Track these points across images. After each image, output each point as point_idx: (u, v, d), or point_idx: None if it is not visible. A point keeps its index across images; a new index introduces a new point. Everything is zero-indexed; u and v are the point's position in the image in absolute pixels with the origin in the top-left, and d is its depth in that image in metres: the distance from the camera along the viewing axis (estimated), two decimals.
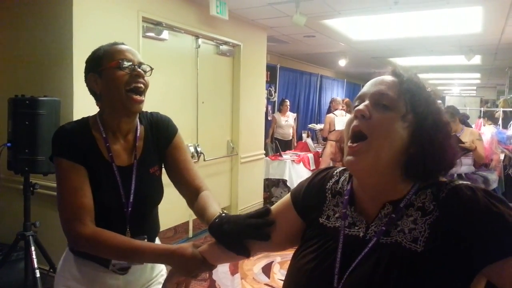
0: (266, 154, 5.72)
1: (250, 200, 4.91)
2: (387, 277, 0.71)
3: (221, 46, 4.32)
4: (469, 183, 0.75)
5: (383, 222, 0.76)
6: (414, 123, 0.75)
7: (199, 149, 4.03)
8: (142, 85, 1.20)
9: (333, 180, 0.92)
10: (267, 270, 3.48)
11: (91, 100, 1.28)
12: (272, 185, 5.85)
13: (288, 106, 7.06)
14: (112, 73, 1.18)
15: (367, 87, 0.82)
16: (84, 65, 1.26)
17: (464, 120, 4.10)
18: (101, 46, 1.25)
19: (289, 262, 0.91)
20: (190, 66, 3.94)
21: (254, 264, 3.57)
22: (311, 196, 0.93)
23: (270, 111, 7.36)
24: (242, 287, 3.18)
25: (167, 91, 3.66)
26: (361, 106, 0.77)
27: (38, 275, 2.27)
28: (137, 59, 1.22)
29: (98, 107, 1.27)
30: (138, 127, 1.29)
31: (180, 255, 1.07)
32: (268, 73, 6.46)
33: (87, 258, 1.25)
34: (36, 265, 2.29)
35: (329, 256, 0.80)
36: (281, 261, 3.63)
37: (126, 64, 1.18)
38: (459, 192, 0.72)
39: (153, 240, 1.35)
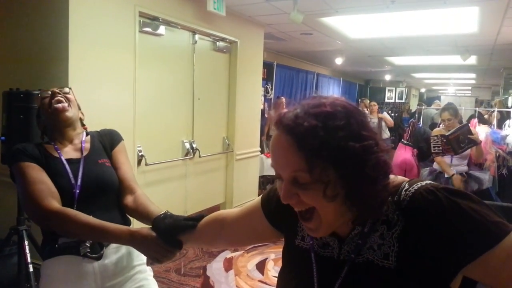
0: (262, 151, 5.72)
1: (245, 197, 4.90)
2: None
3: (218, 43, 4.30)
4: (429, 183, 0.74)
5: (355, 242, 0.77)
6: (340, 181, 0.70)
7: (194, 146, 4.02)
8: (61, 98, 1.45)
9: None
10: (261, 266, 3.49)
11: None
12: (267, 183, 5.86)
13: (284, 104, 7.07)
14: (41, 105, 1.48)
15: (272, 159, 0.76)
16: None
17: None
18: None
19: None
20: (186, 62, 3.92)
21: (248, 261, 3.58)
22: (282, 212, 0.91)
23: (267, 108, 7.35)
24: (236, 283, 3.19)
25: (163, 86, 3.65)
26: (284, 195, 0.74)
27: (31, 269, 2.25)
28: (57, 88, 1.50)
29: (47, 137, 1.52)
30: (84, 134, 1.53)
31: (139, 236, 1.16)
32: (265, 70, 6.45)
33: (58, 253, 1.33)
34: (29, 260, 2.28)
35: (309, 283, 0.81)
36: (275, 258, 3.64)
37: (46, 94, 1.48)
38: (421, 199, 0.71)
39: None
